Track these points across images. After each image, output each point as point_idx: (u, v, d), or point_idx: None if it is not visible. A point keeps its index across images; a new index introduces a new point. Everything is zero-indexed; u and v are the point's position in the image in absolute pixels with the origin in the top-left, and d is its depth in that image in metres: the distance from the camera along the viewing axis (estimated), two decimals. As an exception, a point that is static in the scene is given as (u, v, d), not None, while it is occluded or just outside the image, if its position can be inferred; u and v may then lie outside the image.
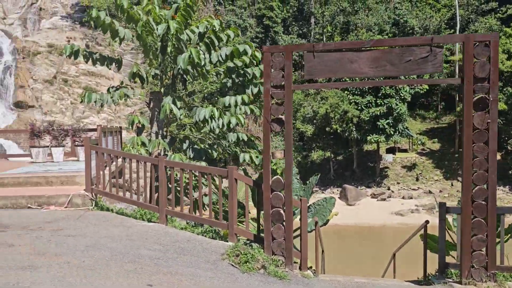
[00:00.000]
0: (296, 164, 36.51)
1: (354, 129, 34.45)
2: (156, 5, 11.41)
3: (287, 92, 5.50)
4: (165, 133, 11.85)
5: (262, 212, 6.07)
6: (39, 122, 40.01)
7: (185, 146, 11.07)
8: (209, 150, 11.33)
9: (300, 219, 6.06)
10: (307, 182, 7.50)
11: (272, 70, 5.52)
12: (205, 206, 9.58)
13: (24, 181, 8.46)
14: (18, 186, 8.38)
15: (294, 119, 37.31)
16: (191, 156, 11.01)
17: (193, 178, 8.38)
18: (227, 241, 6.10)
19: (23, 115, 38.47)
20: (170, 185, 6.69)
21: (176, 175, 6.98)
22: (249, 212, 7.67)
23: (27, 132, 11.77)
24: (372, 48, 5.29)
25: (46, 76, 41.51)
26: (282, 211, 5.62)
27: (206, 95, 29.74)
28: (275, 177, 5.67)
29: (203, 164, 10.19)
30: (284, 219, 5.61)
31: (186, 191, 9.97)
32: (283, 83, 5.52)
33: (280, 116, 5.58)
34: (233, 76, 11.98)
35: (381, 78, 5.87)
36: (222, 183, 6.34)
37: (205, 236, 6.27)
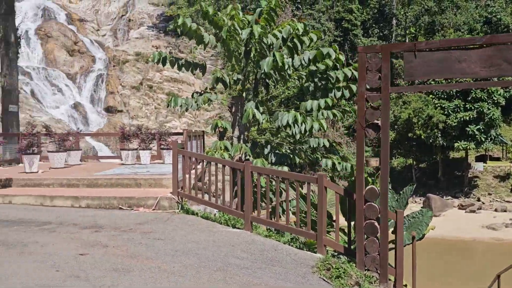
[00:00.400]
0: (374, 171, 35.08)
1: (439, 135, 32.41)
2: (239, 10, 11.46)
3: (384, 95, 5.09)
4: (246, 137, 11.84)
5: (353, 223, 5.69)
6: (127, 126, 42.54)
7: (266, 151, 10.94)
8: (291, 155, 11.10)
9: (394, 232, 5.60)
10: (401, 192, 6.98)
11: (368, 71, 5.15)
12: (283, 213, 9.37)
13: (116, 183, 8.80)
14: (110, 187, 8.74)
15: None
16: (273, 161, 10.85)
17: (274, 183, 8.20)
18: (314, 252, 5.80)
19: (113, 119, 41.00)
20: (255, 191, 6.54)
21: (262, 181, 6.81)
22: (334, 222, 7.30)
23: (118, 135, 12.37)
24: (483, 45, 4.72)
25: (133, 82, 43.95)
26: (376, 224, 5.20)
27: (282, 99, 29.65)
28: (369, 186, 5.28)
29: (285, 169, 9.98)
30: (379, 232, 5.19)
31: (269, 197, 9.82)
32: (379, 86, 5.12)
33: (375, 121, 5.18)
34: (316, 80, 11.67)
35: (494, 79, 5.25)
36: (303, 190, 6.06)
37: (292, 245, 6.02)
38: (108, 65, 45.54)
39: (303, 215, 7.33)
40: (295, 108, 12.08)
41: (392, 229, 5.62)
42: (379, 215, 5.19)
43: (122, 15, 53.13)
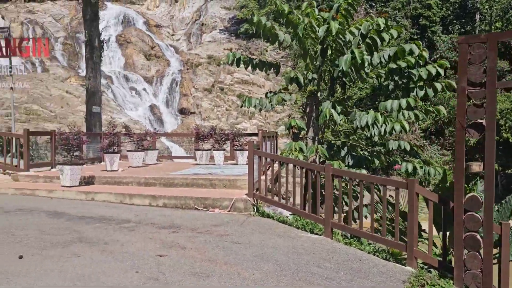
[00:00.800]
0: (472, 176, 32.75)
1: (529, 138, 29.60)
2: (314, 8, 11.08)
3: (490, 90, 4.47)
4: (320, 139, 11.41)
5: (448, 234, 5.10)
6: (201, 127, 43.61)
7: (343, 153, 10.42)
8: (369, 158, 10.49)
9: (498, 247, 4.93)
10: (503, 201, 6.20)
11: (470, 64, 4.55)
12: (356, 219, 8.83)
13: (191, 183, 8.79)
14: (186, 187, 8.75)
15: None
16: (350, 164, 10.32)
17: (352, 187, 7.72)
18: (403, 265, 5.27)
19: (186, 120, 42.18)
20: (335, 195, 6.13)
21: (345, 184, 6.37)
22: (424, 232, 6.68)
23: (193, 136, 12.48)
24: None
25: (205, 85, 44.96)
26: (479, 237, 4.58)
27: (356, 100, 28.70)
28: (470, 194, 4.67)
29: (363, 172, 9.43)
30: (482, 246, 4.56)
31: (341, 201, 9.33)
32: (483, 80, 4.51)
33: (479, 121, 4.57)
34: (396, 78, 10.98)
35: None
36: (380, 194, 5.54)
37: (378, 256, 5.53)
38: (182, 68, 47.00)
39: (387, 222, 6.78)
40: (373, 108, 11.45)
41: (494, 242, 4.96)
42: (482, 227, 4.57)
43: (196, 20, 54.64)
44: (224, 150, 12.08)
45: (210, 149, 12.15)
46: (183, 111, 42.96)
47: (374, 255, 5.61)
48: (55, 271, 4.10)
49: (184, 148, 35.34)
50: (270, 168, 8.06)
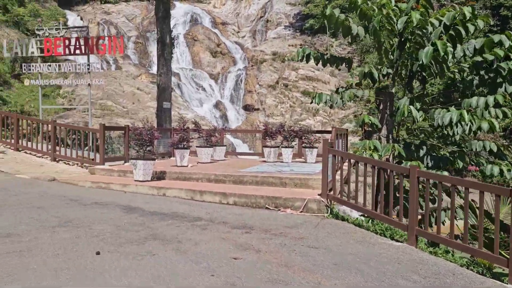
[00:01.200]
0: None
1: None
2: (390, -1, 10.40)
3: None
4: (395, 137, 10.73)
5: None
6: (262, 124, 43.55)
7: (422, 153, 9.70)
8: (451, 159, 9.69)
9: None
10: None
11: None
12: (432, 223, 8.13)
13: (261, 181, 8.56)
14: (255, 185, 8.53)
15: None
16: (429, 165, 9.59)
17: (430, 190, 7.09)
18: (504, 282, 4.66)
19: (250, 117, 42.35)
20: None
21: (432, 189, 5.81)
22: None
23: (261, 132, 12.28)
24: None
25: (269, 81, 44.84)
26: None
27: (432, 95, 27.16)
28: None
29: (445, 174, 8.68)
30: None
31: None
32: None
33: None
34: (482, 72, 10.05)
35: None
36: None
37: (473, 270, 4.94)
38: (247, 65, 47.27)
39: (473, 230, 6.14)
40: (454, 105, 10.59)
41: None
42: None
43: (261, 17, 54.70)
44: (292, 147, 11.75)
45: (278, 146, 11.88)
46: (247, 108, 43.17)
47: (468, 268, 5.03)
48: (131, 270, 4.00)
49: (247, 144, 35.53)
50: (341, 167, 7.64)
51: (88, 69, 12.96)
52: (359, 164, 6.80)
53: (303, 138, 11.66)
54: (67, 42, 12.92)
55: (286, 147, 11.65)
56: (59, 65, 13.24)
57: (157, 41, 14.06)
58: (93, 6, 51.38)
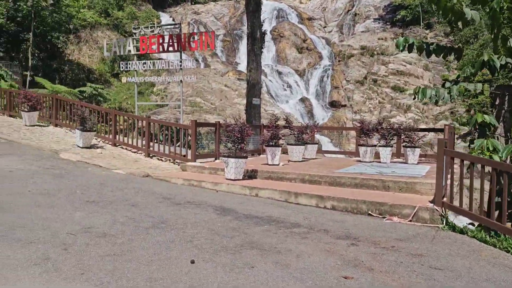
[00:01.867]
0: None
1: None
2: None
3: None
4: (514, 137, 9.28)
5: None
6: (357, 121, 42.02)
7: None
8: None
9: None
10: None
11: None
12: None
13: (360, 183, 7.77)
14: (354, 187, 7.77)
15: None
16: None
17: None
18: None
19: (336, 113, 41.09)
20: None
21: None
22: None
23: (356, 130, 11.40)
24: None
25: (357, 77, 43.15)
26: None
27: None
28: None
29: None
30: None
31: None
32: None
33: None
34: None
35: None
36: None
37: None
38: (334, 61, 45.97)
39: None
40: None
41: None
42: None
43: (348, 10, 52.90)
44: (391, 146, 10.73)
45: (375, 145, 10.94)
46: (333, 104, 41.89)
47: None
48: (229, 285, 3.53)
49: (333, 142, 34.37)
50: (452, 170, 6.60)
51: (180, 66, 13.01)
52: (478, 167, 5.76)
53: (403, 136, 10.57)
54: (160, 39, 13.09)
55: (384, 146, 10.67)
56: (153, 63, 13.48)
57: (247, 36, 13.75)
58: (184, 7, 53.28)
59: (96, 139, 11.77)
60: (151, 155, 10.86)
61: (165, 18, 45.88)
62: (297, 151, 10.76)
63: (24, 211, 5.42)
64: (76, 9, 37.09)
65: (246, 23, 52.76)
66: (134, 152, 11.20)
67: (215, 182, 8.09)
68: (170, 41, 12.96)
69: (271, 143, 9.75)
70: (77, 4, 37.66)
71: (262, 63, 47.89)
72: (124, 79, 14.19)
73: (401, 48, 10.15)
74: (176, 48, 12.93)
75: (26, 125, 12.68)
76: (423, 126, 39.57)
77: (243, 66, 46.00)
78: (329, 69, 43.51)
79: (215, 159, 10.60)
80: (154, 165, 9.90)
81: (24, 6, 30.30)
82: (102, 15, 40.86)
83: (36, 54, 31.06)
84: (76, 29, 38.23)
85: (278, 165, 9.73)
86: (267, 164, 9.76)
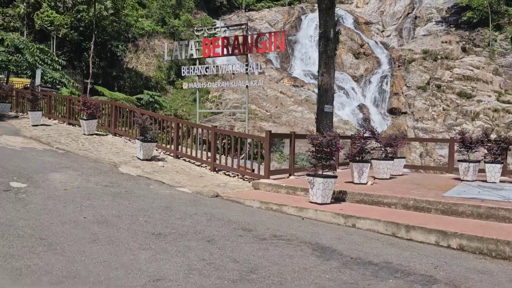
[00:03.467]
0: None
1: None
2: None
3: None
4: None
5: None
6: (410, 129, 39.30)
7: None
8: None
9: None
10: None
11: None
12: None
13: (486, 213, 6.00)
14: (478, 219, 6.02)
15: None
16: None
17: None
18: None
19: (396, 121, 38.61)
20: None
21: None
22: None
23: (456, 142, 9.54)
24: None
25: (419, 82, 40.48)
26: None
27: None
28: None
29: None
30: None
31: None
32: None
33: None
34: None
35: None
36: None
37: None
38: (393, 66, 43.44)
39: None
40: None
41: None
42: None
43: (408, 13, 50.14)
44: (501, 163, 8.81)
45: (479, 161, 9.06)
46: (393, 111, 39.38)
47: None
48: None
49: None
50: None
51: (247, 70, 11.73)
52: None
53: (518, 151, 8.61)
54: (225, 41, 11.89)
55: (492, 162, 8.76)
56: (217, 67, 12.33)
57: (319, 36, 12.24)
58: (238, 14, 52.66)
59: (156, 149, 10.66)
60: (217, 169, 9.56)
61: (219, 25, 45.35)
62: (385, 167, 9.08)
63: (78, 251, 4.20)
64: (134, 18, 37.26)
65: (301, 28, 50.66)
66: (198, 166, 9.95)
67: (298, 207, 6.61)
68: (236, 43, 11.73)
69: (358, 158, 8.16)
70: (136, 13, 37.81)
71: (316, 69, 46.13)
72: (185, 85, 13.10)
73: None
74: (242, 51, 11.67)
75: (84, 134, 11.84)
76: (493, 136, 36.25)
77: (297, 73, 44.43)
78: (388, 74, 41.10)
79: (289, 175, 9.14)
80: (222, 182, 8.58)
81: (87, 16, 30.55)
82: (159, 23, 40.88)
83: (97, 63, 31.18)
84: (135, 38, 38.41)
85: (366, 184, 8.13)
86: (353, 182, 8.17)
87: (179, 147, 10.46)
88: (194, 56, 12.46)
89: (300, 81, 41.77)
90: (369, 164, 8.24)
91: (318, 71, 12.50)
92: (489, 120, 36.50)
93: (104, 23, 31.60)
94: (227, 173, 9.42)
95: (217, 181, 8.67)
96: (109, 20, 31.80)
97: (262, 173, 8.68)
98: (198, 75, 12.60)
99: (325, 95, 12.17)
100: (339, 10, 51.48)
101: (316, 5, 54.32)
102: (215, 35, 12.48)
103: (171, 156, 10.46)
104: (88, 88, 25.56)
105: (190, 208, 6.30)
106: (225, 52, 12.03)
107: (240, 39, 11.70)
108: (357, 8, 53.49)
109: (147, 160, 9.59)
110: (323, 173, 6.83)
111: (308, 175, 6.85)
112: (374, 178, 9.08)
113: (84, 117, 11.89)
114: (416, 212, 6.48)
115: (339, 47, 46.15)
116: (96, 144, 10.86)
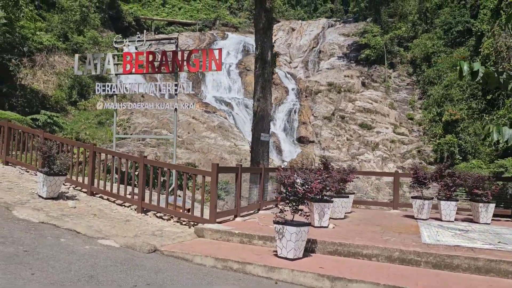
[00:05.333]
0: None
1: None
2: None
3: None
4: None
5: None
6: (318, 157, 39.98)
7: None
8: None
9: None
10: None
11: None
12: None
13: (486, 267, 5.04)
14: (476, 274, 5.03)
15: None
16: None
17: None
18: None
19: (305, 149, 39.04)
20: None
21: None
22: None
23: (409, 176, 8.78)
24: None
25: (325, 113, 41.69)
26: None
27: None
28: None
29: None
30: None
31: None
32: None
33: None
34: None
35: None
36: None
37: None
38: (300, 96, 44.42)
39: None
40: None
41: None
42: None
43: (313, 47, 52.20)
44: (457, 200, 8.19)
45: (432, 198, 8.39)
46: (301, 140, 39.85)
47: None
48: None
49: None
50: None
51: (176, 90, 10.01)
52: None
53: (475, 187, 8.05)
54: (151, 57, 10.08)
55: (447, 199, 8.12)
56: (138, 85, 10.38)
57: (255, 59, 11.03)
58: (148, 37, 50.16)
59: (64, 184, 8.28)
60: (144, 209, 7.57)
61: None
62: (339, 205, 7.96)
63: None
64: (32, 31, 33.08)
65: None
66: (121, 205, 7.83)
67: (268, 266, 5.03)
68: (164, 58, 9.97)
69: (318, 197, 6.88)
70: (34, 25, 33.61)
71: (228, 96, 45.13)
72: (99, 105, 10.84)
73: (464, 74, 7.77)
74: (171, 68, 9.94)
75: (-37, 163, 9.01)
76: (391, 165, 38.16)
77: (209, 98, 43.12)
78: (296, 104, 41.78)
79: (235, 216, 7.52)
80: (156, 228, 6.66)
81: (-28, 24, 26.14)
82: (61, 39, 36.90)
83: (-17, 76, 26.64)
84: (31, 52, 34.01)
85: (327, 227, 6.87)
86: (313, 226, 6.85)
87: (94, 180, 8.24)
88: (112, 72, 10.38)
89: (212, 107, 40.52)
90: (331, 204, 7.00)
91: (254, 96, 11.24)
92: (387, 150, 38.59)
93: (-6, 33, 27.30)
94: (158, 215, 7.48)
95: (149, 226, 6.73)
96: (0, 30, 27.58)
97: (203, 215, 6.95)
98: (116, 94, 10.50)
99: (261, 122, 10.89)
100: (250, 39, 51.81)
101: (227, 33, 53.76)
102: (141, 48, 10.60)
103: (84, 192, 8.17)
104: (-30, 105, 21.34)
105: (125, 276, 4.38)
106: (149, 69, 10.20)
107: (169, 55, 9.98)
108: (266, 39, 54.36)
109: (52, 198, 7.27)
110: (293, 220, 5.39)
111: (277, 222, 5.35)
112: (330, 218, 7.89)
113: (-37, 141, 9.02)
114: (404, 266, 5.33)
115: (248, 75, 46.18)
116: (-21, 176, 8.17)
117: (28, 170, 9.02)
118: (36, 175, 8.32)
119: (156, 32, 53.00)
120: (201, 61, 9.58)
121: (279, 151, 38.45)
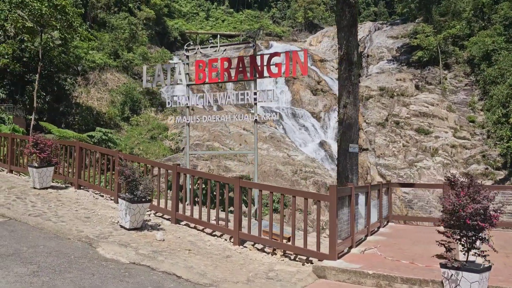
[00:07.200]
0: None
1: None
2: None
3: None
4: None
5: None
6: (373, 165, 37.97)
7: None
8: None
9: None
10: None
11: None
12: None
13: None
14: None
15: None
16: None
17: None
18: None
19: (359, 158, 37.02)
20: None
21: None
22: None
23: (444, 187, 7.09)
24: None
25: (378, 119, 39.64)
26: None
27: None
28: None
29: None
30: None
31: None
32: None
33: None
34: None
35: None
36: None
37: None
38: (351, 102, 42.35)
39: None
40: None
41: None
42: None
43: (361, 52, 50.24)
44: None
45: None
46: (355, 148, 38.07)
47: None
48: None
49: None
50: None
51: (255, 99, 8.85)
52: None
53: None
54: (226, 64, 8.98)
55: None
56: (215, 96, 9.29)
57: (339, 60, 9.69)
58: (195, 51, 50.14)
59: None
60: (241, 239, 6.32)
61: (176, 60, 42.46)
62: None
63: None
64: (84, 51, 33.49)
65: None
66: (211, 234, 6.65)
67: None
68: (241, 65, 8.83)
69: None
70: (86, 45, 34.02)
71: (277, 106, 44.05)
72: (170, 119, 9.87)
73: None
74: (250, 75, 8.79)
75: (35, 188, 8.14)
76: (453, 171, 35.51)
77: (258, 109, 42.32)
78: (347, 111, 39.99)
79: (350, 248, 6.12)
80: (264, 266, 5.39)
81: (32, 47, 26.47)
82: (112, 56, 37.22)
83: (42, 97, 26.82)
84: (85, 71, 34.41)
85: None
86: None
87: (179, 206, 7.12)
88: (184, 83, 9.37)
89: (262, 117, 39.47)
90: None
91: (339, 103, 9.88)
92: (448, 156, 35.97)
93: (51, 54, 27.52)
94: (258, 246, 6.22)
95: (256, 265, 5.46)
96: (56, 51, 27.82)
97: (307, 245, 5.60)
98: (188, 107, 9.48)
99: (349, 131, 9.51)
100: (294, 47, 50.65)
101: (270, 42, 52.79)
102: (210, 56, 9.56)
103: (167, 219, 7.07)
104: (32, 125, 21.29)
105: None
106: (225, 77, 9.09)
107: (246, 60, 8.83)
108: (310, 46, 53.10)
109: (136, 229, 6.20)
110: (468, 261, 3.96)
111: (444, 266, 3.94)
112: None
113: (35, 164, 8.16)
114: None
115: (296, 83, 44.96)
116: (54, 203, 7.24)
117: (102, 194, 8.06)
118: (111, 199, 7.34)
119: (202, 47, 52.91)
120: (284, 65, 8.36)
121: (332, 160, 36.79)
